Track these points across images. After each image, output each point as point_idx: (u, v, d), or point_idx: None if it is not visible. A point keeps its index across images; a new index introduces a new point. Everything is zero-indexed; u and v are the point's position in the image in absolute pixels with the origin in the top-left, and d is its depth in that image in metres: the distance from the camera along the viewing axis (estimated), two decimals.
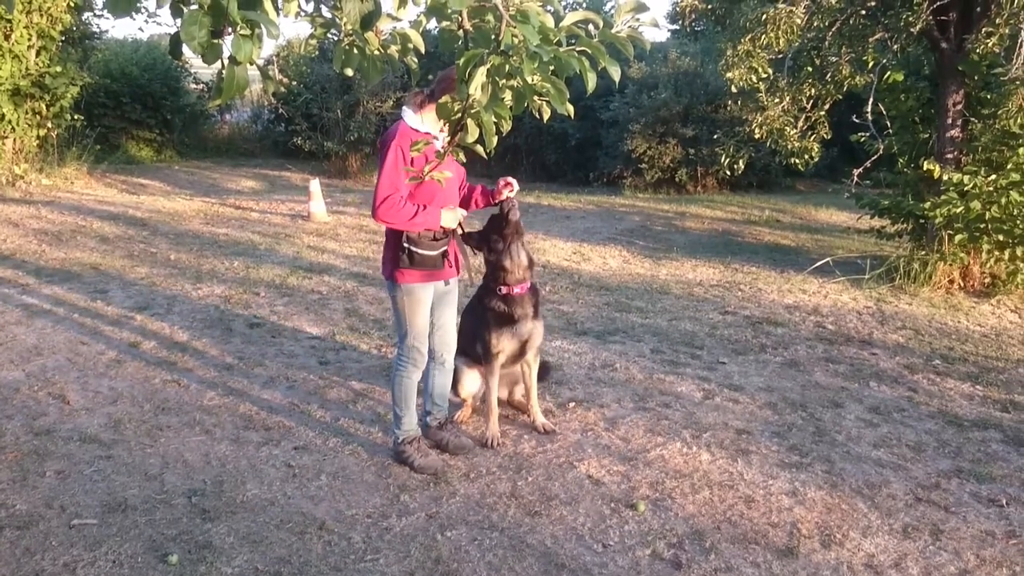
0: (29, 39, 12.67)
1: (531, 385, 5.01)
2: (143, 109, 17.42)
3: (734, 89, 9.31)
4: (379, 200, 4.11)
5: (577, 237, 10.86)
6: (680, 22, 18.26)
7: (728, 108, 11.99)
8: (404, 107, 4.28)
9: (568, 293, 8.08)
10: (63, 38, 13.68)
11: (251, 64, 1.78)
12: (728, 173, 11.58)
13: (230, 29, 1.67)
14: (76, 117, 13.97)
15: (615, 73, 2.17)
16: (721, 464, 4.63)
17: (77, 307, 7.10)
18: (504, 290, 4.61)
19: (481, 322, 4.72)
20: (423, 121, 4.18)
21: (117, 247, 9.41)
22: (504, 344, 4.69)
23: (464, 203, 4.58)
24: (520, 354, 4.82)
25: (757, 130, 9.41)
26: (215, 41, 1.69)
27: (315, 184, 11.78)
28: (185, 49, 1.77)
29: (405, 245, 4.21)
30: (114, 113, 17.14)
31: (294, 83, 18.02)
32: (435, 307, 4.47)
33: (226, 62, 1.75)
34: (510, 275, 4.59)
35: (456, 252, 4.51)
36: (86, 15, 14.98)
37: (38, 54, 12.95)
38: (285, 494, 4.20)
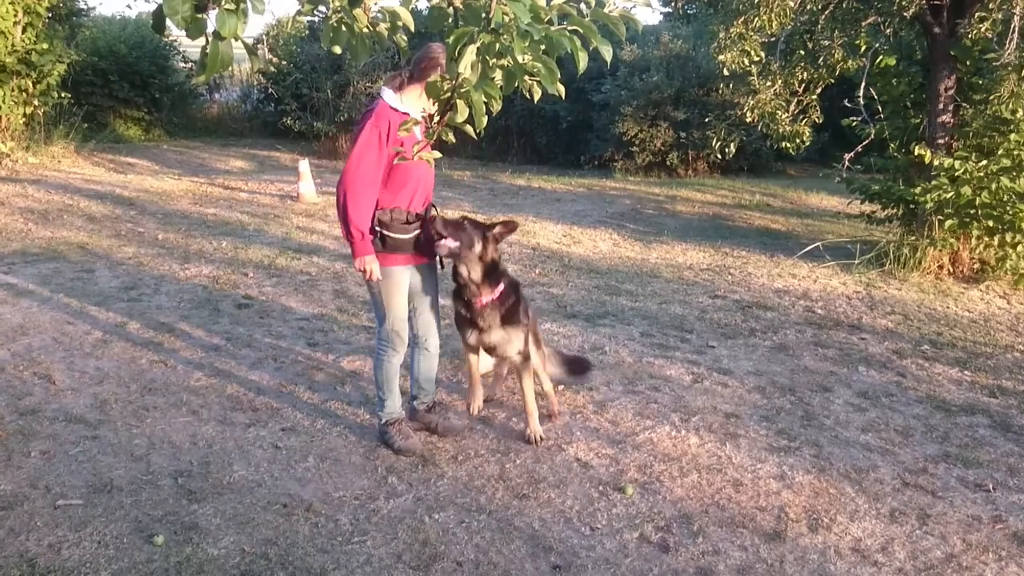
0: (15, 15, 12.49)
1: (526, 397, 4.65)
2: (131, 88, 17.26)
3: (726, 72, 9.26)
4: (349, 176, 4.05)
5: (567, 220, 10.83)
6: (672, 4, 18.20)
7: (720, 91, 11.93)
8: (383, 88, 4.23)
9: (558, 276, 8.06)
10: (50, 15, 13.51)
11: (236, 40, 1.74)
12: (719, 157, 11.55)
13: (214, 3, 1.63)
14: (63, 95, 13.82)
15: (606, 53, 2.14)
16: (709, 448, 4.63)
17: (63, 286, 7.04)
18: (466, 296, 4.47)
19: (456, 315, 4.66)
20: (403, 102, 4.14)
21: (104, 226, 9.34)
22: (472, 342, 4.59)
23: None
24: (490, 352, 4.69)
25: (749, 114, 9.38)
26: (199, 16, 1.65)
27: (304, 164, 11.71)
28: (170, 24, 1.73)
29: (377, 229, 4.18)
30: (102, 91, 16.98)
31: (284, 63, 17.89)
32: (413, 292, 4.43)
33: (210, 37, 1.71)
34: (465, 289, 4.44)
35: (428, 238, 4.33)
36: None
37: (24, 31, 12.78)
38: (272, 475, 4.18)
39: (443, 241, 4.23)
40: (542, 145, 17.95)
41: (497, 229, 4.41)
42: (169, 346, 5.85)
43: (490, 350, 4.64)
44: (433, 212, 4.40)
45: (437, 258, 4.48)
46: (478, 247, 4.32)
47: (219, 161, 15.76)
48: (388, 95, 4.15)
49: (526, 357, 4.61)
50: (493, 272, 4.40)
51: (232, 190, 12.17)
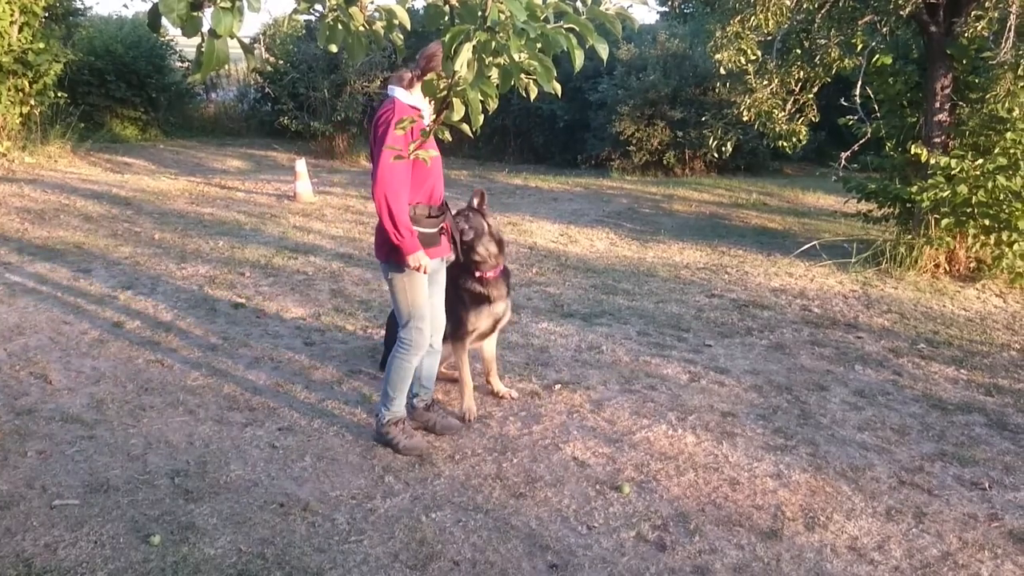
0: (11, 15, 12.48)
1: (491, 356, 5.19)
2: (128, 87, 17.21)
3: (722, 71, 9.26)
4: (387, 182, 4.00)
5: (564, 219, 10.83)
6: (669, 3, 18.21)
7: (716, 90, 11.94)
8: (391, 87, 4.21)
9: (555, 275, 8.06)
10: (46, 14, 13.48)
11: (232, 38, 1.74)
12: (716, 156, 11.56)
13: (210, 1, 1.63)
14: (59, 95, 13.79)
15: (603, 51, 2.14)
16: (706, 446, 4.64)
17: (60, 286, 7.04)
18: (479, 274, 4.76)
19: (458, 302, 4.80)
20: (412, 96, 4.14)
21: (101, 226, 9.33)
22: (481, 323, 4.85)
23: None
24: (490, 332, 4.99)
25: (745, 113, 9.38)
26: (194, 13, 1.65)
27: (301, 164, 11.69)
28: (166, 23, 1.73)
29: None
30: (98, 91, 16.93)
31: (280, 62, 17.86)
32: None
33: (206, 35, 1.71)
34: (484, 263, 4.76)
35: (448, 230, 4.47)
36: None
37: (20, 30, 12.75)
38: (269, 475, 4.18)
39: (466, 227, 4.66)
40: (539, 144, 17.95)
41: (476, 202, 4.79)
42: (166, 346, 5.85)
43: (494, 325, 4.95)
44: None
45: (455, 247, 4.62)
46: (486, 225, 4.77)
47: (216, 161, 15.74)
48: (400, 93, 4.14)
49: None
50: (502, 243, 4.88)
51: (229, 190, 12.16)
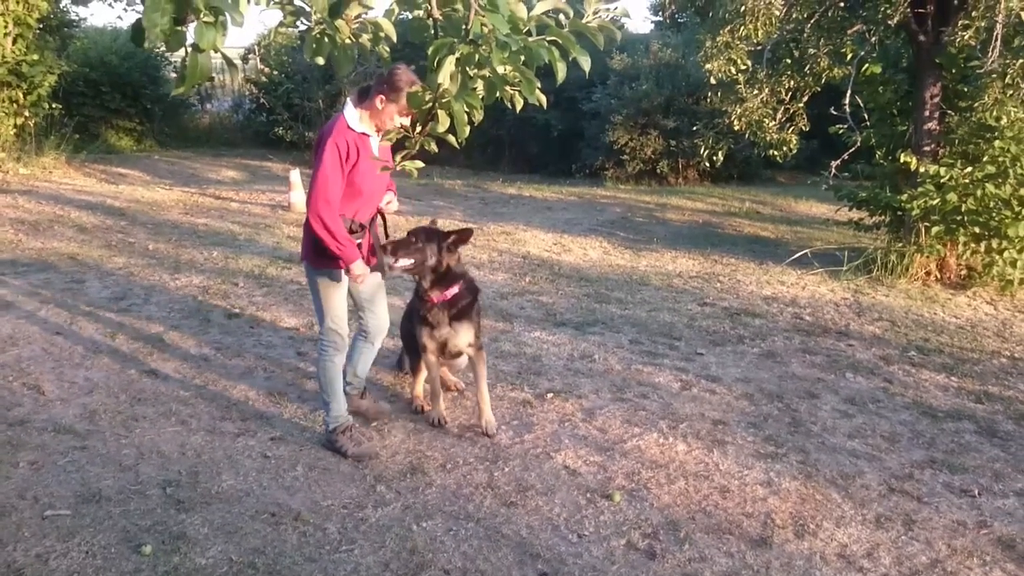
0: (5, 27, 12.50)
1: (480, 388, 4.89)
2: (122, 98, 17.26)
3: (713, 81, 9.32)
4: (320, 196, 4.15)
5: (558, 228, 10.86)
6: (662, 13, 18.28)
7: (708, 100, 12.00)
8: (347, 102, 4.32)
9: (548, 284, 8.08)
10: (40, 26, 13.51)
11: (216, 52, 1.76)
12: (708, 165, 11.60)
13: (193, 15, 1.65)
14: (54, 106, 13.82)
15: (585, 63, 2.17)
16: (697, 455, 4.65)
17: (53, 297, 7.04)
18: (424, 297, 4.75)
19: (413, 320, 4.93)
20: (360, 119, 4.22)
21: (95, 237, 9.34)
22: (425, 342, 4.83)
23: None
24: (443, 350, 4.87)
25: (736, 122, 9.44)
26: (178, 28, 1.67)
27: (296, 174, 11.70)
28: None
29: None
30: (93, 102, 16.97)
31: (275, 72, 17.91)
32: (364, 294, 4.67)
33: (189, 50, 1.73)
34: (426, 290, 4.69)
35: (371, 246, 4.54)
36: (64, 2, 14.82)
37: (15, 42, 12.78)
38: (261, 485, 4.19)
39: (397, 264, 4.51)
40: (533, 154, 18.00)
41: (451, 239, 4.62)
42: (159, 356, 5.85)
43: (442, 347, 4.87)
44: (379, 222, 4.64)
45: (383, 268, 4.62)
46: (432, 260, 4.58)
47: (210, 171, 15.76)
48: (349, 111, 4.25)
49: (479, 348, 4.90)
50: (445, 278, 4.66)
51: (223, 200, 12.17)
